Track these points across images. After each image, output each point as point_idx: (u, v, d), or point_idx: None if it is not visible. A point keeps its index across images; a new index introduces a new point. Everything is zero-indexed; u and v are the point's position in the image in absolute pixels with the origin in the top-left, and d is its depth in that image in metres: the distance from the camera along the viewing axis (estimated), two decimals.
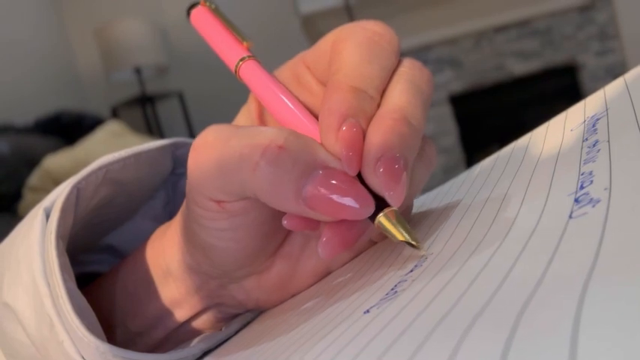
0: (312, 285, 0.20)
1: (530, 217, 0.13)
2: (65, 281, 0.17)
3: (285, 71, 0.20)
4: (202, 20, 0.21)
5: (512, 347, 0.07)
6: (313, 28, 2.04)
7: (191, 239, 0.18)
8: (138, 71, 2.05)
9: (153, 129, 2.17)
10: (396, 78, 0.17)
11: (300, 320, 0.16)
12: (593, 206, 0.11)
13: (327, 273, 0.19)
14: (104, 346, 0.16)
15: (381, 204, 0.15)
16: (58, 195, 0.19)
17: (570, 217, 0.11)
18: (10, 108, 1.73)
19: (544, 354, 0.07)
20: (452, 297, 0.11)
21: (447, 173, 2.02)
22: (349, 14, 1.90)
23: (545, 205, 0.13)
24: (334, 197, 0.14)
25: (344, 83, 0.16)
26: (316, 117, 0.17)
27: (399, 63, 0.17)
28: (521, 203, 0.14)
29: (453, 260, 0.13)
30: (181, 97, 2.20)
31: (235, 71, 0.20)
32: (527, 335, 0.08)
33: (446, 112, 2.11)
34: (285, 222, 0.16)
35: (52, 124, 1.70)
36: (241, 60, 0.19)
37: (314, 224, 0.16)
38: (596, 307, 0.07)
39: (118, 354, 0.17)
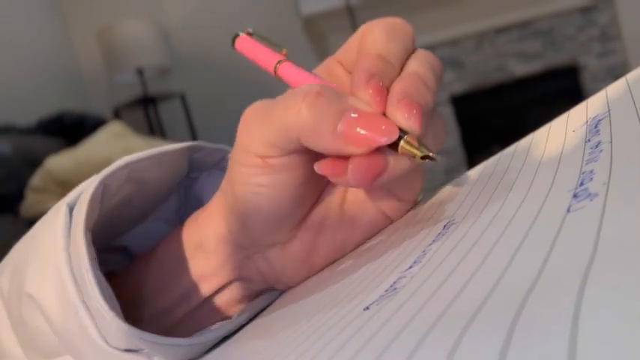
0: (329, 261, 0.22)
1: (528, 212, 0.13)
2: (93, 269, 0.18)
3: (319, 70, 0.23)
4: (244, 44, 0.25)
5: (512, 343, 0.08)
6: (314, 29, 2.04)
7: (230, 207, 0.20)
8: (140, 72, 2.06)
9: (155, 130, 2.17)
10: (412, 57, 0.20)
11: (301, 315, 0.16)
12: (591, 200, 0.11)
13: (343, 250, 0.22)
14: (130, 330, 0.17)
15: (402, 134, 0.17)
16: (84, 189, 0.20)
17: (568, 211, 0.11)
18: (13, 108, 1.73)
19: (544, 348, 0.07)
20: (451, 293, 0.11)
21: (449, 174, 2.02)
22: (350, 15, 1.90)
23: (544, 201, 0.13)
24: (363, 129, 0.17)
25: (372, 53, 0.19)
26: None
27: (414, 50, 0.20)
28: (522, 201, 0.14)
29: (451, 256, 0.13)
30: (183, 98, 2.20)
31: (274, 71, 0.23)
32: (527, 330, 0.08)
33: (447, 112, 2.11)
34: (317, 167, 0.18)
35: (54, 125, 1.70)
36: (279, 62, 0.22)
37: (342, 169, 0.18)
38: (595, 301, 0.07)
39: (143, 337, 0.17)
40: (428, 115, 0.18)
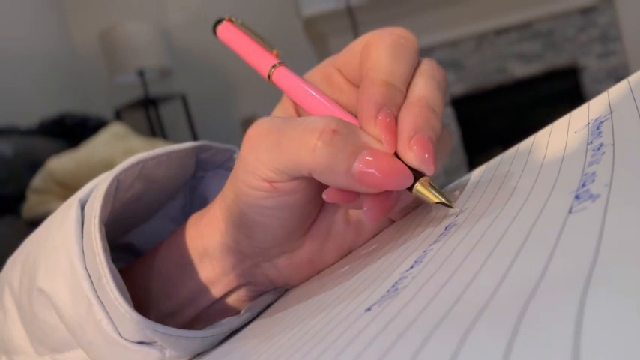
0: (335, 262, 0.22)
1: (530, 213, 0.13)
2: (108, 262, 0.18)
3: (316, 73, 0.22)
4: (229, 34, 0.24)
5: (515, 344, 0.08)
6: (315, 31, 2.04)
7: (235, 220, 0.20)
8: (141, 74, 2.06)
9: (156, 131, 2.17)
10: (418, 74, 0.20)
11: (304, 316, 0.16)
12: (593, 201, 0.11)
13: (350, 251, 0.22)
14: (144, 321, 0.17)
15: (416, 175, 0.17)
16: (97, 184, 0.20)
17: (570, 212, 0.11)
18: (14, 110, 1.73)
19: (547, 349, 0.07)
20: (454, 294, 0.11)
21: (449, 176, 2.02)
22: (351, 17, 1.90)
23: (546, 202, 0.13)
24: (379, 172, 0.16)
25: (377, 78, 0.19)
26: (348, 111, 0.20)
27: (419, 62, 0.20)
28: (524, 202, 0.14)
29: (453, 256, 0.13)
30: (184, 100, 2.20)
31: (268, 77, 0.22)
32: (531, 331, 0.08)
33: (447, 114, 2.11)
34: (326, 196, 0.18)
35: (55, 127, 1.70)
36: (273, 67, 0.22)
37: (352, 197, 0.18)
38: (598, 302, 0.07)
39: (156, 329, 0.18)
40: (436, 140, 0.18)
